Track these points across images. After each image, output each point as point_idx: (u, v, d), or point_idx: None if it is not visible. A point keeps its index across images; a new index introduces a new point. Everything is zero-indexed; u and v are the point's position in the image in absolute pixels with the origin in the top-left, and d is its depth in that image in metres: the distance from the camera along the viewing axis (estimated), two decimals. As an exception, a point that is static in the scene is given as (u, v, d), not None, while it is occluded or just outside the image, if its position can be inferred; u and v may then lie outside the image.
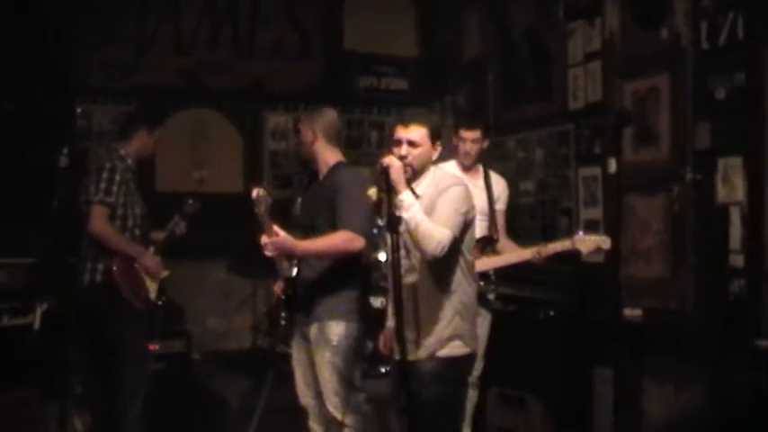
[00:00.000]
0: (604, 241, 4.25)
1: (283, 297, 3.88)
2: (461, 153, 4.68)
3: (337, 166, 3.97)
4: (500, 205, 4.82)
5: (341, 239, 3.73)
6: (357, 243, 3.73)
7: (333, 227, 3.77)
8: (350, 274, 3.87)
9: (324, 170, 3.98)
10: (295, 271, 3.86)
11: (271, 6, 7.37)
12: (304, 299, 3.87)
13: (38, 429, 4.60)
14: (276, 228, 3.70)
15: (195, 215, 4.71)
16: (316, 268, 3.87)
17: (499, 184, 4.86)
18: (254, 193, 3.71)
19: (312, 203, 3.97)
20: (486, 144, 4.76)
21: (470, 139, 4.64)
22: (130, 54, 6.87)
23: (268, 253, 3.74)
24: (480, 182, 4.72)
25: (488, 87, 6.86)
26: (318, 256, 3.83)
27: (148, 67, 6.91)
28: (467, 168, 4.69)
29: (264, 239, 3.70)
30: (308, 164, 4.11)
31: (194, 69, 7.13)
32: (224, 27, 7.28)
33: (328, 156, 3.99)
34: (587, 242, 4.27)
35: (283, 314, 3.96)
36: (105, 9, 6.76)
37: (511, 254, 4.62)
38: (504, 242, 4.75)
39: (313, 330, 3.85)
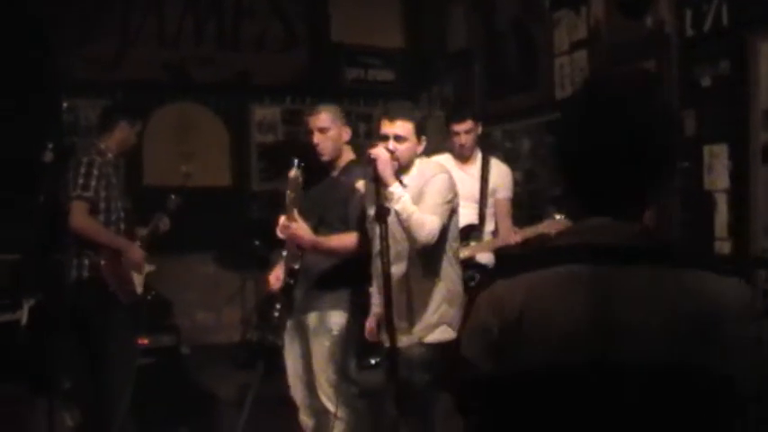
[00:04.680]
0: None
1: (286, 283, 3.78)
2: (457, 146, 4.62)
3: (351, 164, 3.94)
4: (502, 193, 4.69)
5: (351, 241, 3.73)
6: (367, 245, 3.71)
7: (344, 224, 3.77)
8: (355, 267, 3.82)
9: (339, 166, 3.95)
10: (299, 264, 3.79)
11: (255, -2, 7.38)
12: (305, 288, 3.83)
13: (27, 425, 4.58)
14: (297, 214, 3.63)
15: (178, 210, 4.68)
16: (322, 259, 3.82)
17: (499, 173, 4.73)
18: (292, 173, 3.65)
19: (324, 198, 3.90)
20: (479, 130, 4.68)
21: (463, 130, 4.58)
22: (115, 48, 6.87)
23: (281, 234, 3.67)
24: (473, 170, 4.65)
25: (474, 78, 6.86)
26: (327, 254, 3.78)
27: (134, 60, 6.91)
28: (465, 159, 4.65)
29: (284, 221, 3.63)
30: (304, 156, 4.07)
31: (180, 62, 7.12)
32: (208, 20, 7.27)
33: (347, 153, 3.99)
34: (554, 224, 4.31)
35: (277, 305, 3.90)
36: (89, 3, 6.74)
37: (489, 241, 4.60)
38: (503, 228, 4.64)
39: (312, 319, 3.83)
